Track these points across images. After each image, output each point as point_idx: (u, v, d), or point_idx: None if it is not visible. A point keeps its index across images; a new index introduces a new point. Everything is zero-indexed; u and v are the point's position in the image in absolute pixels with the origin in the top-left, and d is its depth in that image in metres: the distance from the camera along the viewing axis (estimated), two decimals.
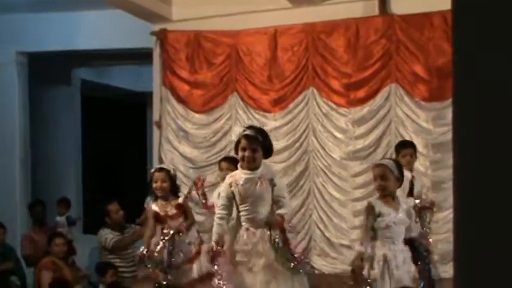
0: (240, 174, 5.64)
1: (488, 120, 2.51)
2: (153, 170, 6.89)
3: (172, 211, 6.62)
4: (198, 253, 6.46)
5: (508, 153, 2.65)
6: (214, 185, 8.14)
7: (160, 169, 6.91)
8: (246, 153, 5.53)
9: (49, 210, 10.39)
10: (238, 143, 5.63)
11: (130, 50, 10.72)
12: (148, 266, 6.31)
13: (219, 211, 5.81)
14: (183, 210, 6.58)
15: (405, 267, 5.69)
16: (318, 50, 9.23)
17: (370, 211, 5.70)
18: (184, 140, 9.86)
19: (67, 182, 12.46)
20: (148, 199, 8.95)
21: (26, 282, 9.02)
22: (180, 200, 6.61)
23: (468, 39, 2.59)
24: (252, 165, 5.55)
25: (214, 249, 5.66)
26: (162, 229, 6.50)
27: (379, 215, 5.63)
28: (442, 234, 8.56)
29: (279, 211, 5.67)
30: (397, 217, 5.69)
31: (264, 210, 5.61)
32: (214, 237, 5.75)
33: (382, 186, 5.74)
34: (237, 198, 5.65)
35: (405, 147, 7.48)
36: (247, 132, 5.61)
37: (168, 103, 9.94)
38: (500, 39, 2.70)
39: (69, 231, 9.96)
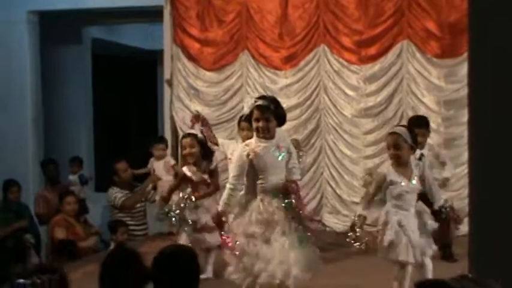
0: (256, 143, 5.58)
1: (504, 77, 2.50)
2: (181, 137, 6.78)
3: (205, 177, 6.62)
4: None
5: None
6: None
7: (188, 134, 6.80)
8: (260, 124, 5.47)
9: (61, 169, 10.47)
10: (251, 114, 5.57)
11: (140, 7, 10.65)
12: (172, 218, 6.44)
13: (232, 181, 5.67)
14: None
15: (423, 239, 5.64)
16: (329, 6, 9.16)
17: (381, 183, 5.66)
18: (195, 98, 9.86)
19: (78, 140, 12.48)
20: (152, 159, 9.03)
21: (40, 240, 9.12)
22: (214, 165, 6.60)
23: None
24: (267, 135, 5.52)
25: (220, 216, 5.63)
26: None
27: (391, 183, 5.58)
28: (455, 191, 8.57)
29: (294, 177, 5.70)
30: (410, 185, 5.63)
31: (277, 179, 5.61)
32: (222, 205, 5.69)
33: (396, 155, 5.64)
34: (256, 167, 5.56)
35: (418, 126, 7.20)
36: (259, 102, 5.54)
37: (178, 61, 9.92)
38: None
39: (81, 190, 10.02)
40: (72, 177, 10.28)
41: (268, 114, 5.46)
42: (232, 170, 5.78)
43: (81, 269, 7.16)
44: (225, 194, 5.68)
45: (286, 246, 5.44)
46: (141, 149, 9.64)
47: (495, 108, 2.51)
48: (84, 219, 9.25)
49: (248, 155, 5.54)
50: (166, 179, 8.95)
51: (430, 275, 5.55)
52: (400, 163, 5.66)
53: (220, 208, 5.69)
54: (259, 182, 5.60)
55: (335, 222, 9.15)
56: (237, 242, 5.50)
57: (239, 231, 5.55)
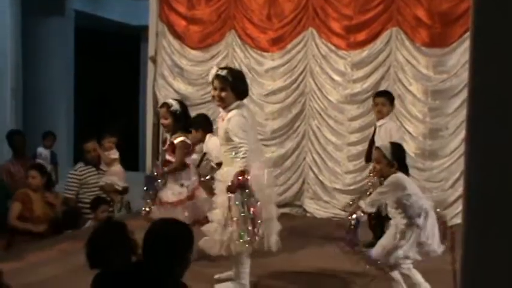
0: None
1: (507, 70, 2.39)
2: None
3: (166, 145, 6.49)
4: (191, 197, 6.30)
5: None
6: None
7: (162, 104, 6.68)
8: (214, 93, 5.63)
9: (36, 140, 10.31)
10: (212, 83, 5.73)
11: None
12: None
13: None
14: (173, 149, 6.42)
15: None
16: None
17: None
18: (179, 76, 9.71)
19: (58, 113, 12.34)
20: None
21: None
22: (180, 139, 6.41)
23: None
24: (219, 103, 5.64)
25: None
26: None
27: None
28: (437, 183, 8.53)
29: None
30: None
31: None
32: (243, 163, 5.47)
33: None
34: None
35: (377, 96, 7.43)
36: (218, 72, 5.67)
37: (164, 38, 9.76)
38: None
39: (50, 167, 9.84)
40: (43, 151, 10.13)
41: (223, 84, 5.56)
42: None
43: (56, 246, 7.04)
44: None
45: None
46: (121, 125, 9.47)
47: (498, 102, 2.38)
48: (57, 193, 9.00)
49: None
50: (108, 170, 8.82)
51: None
52: None
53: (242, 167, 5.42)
54: None
55: (316, 208, 9.08)
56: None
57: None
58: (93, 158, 8.82)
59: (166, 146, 6.54)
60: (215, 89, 5.60)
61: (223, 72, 5.62)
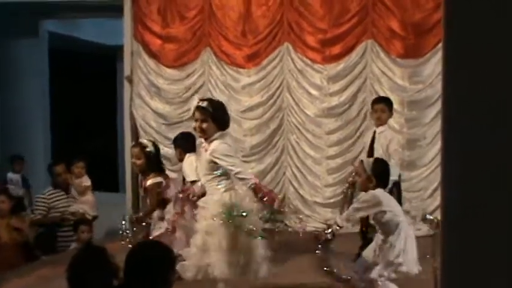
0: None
1: (480, 76, 2.40)
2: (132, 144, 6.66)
3: (141, 190, 6.54)
4: (172, 230, 6.33)
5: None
6: None
7: (135, 144, 6.71)
8: (195, 124, 5.65)
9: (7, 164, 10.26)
10: (193, 114, 5.77)
11: (99, 2, 10.43)
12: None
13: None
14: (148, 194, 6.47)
15: None
16: (293, 4, 9.05)
17: None
18: (156, 95, 9.68)
19: (35, 135, 12.22)
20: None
21: None
22: (150, 182, 6.42)
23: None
24: (201, 134, 5.66)
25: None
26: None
27: None
28: (416, 192, 8.56)
29: None
30: None
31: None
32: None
33: None
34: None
35: (376, 102, 7.32)
36: (199, 103, 5.69)
37: (139, 58, 9.72)
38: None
39: (23, 191, 9.72)
40: (13, 176, 10.03)
41: (205, 115, 5.57)
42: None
43: (35, 272, 6.96)
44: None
45: None
46: (99, 146, 9.41)
47: (471, 109, 2.38)
48: (22, 217, 8.83)
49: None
50: (79, 199, 8.72)
51: None
52: None
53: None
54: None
55: (297, 223, 9.05)
56: None
57: None
58: (63, 182, 8.61)
59: (141, 191, 6.62)
60: (196, 120, 5.60)
61: (204, 104, 5.62)
